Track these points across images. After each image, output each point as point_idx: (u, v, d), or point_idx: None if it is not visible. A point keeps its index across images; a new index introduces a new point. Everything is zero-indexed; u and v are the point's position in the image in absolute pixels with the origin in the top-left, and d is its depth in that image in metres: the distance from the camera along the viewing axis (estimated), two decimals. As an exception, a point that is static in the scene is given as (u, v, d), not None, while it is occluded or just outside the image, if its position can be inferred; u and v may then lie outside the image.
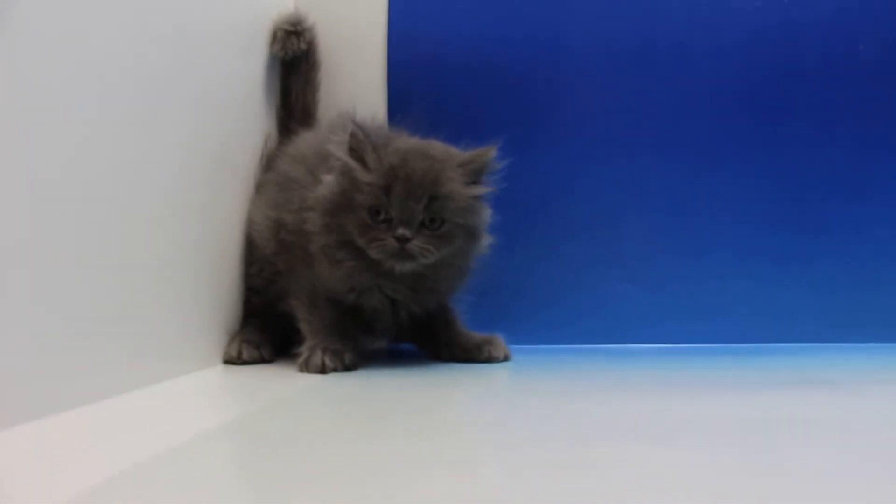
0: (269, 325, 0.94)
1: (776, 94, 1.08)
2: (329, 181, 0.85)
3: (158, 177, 0.75)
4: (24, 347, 0.55)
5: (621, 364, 0.93)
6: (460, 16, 1.11)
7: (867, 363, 0.93)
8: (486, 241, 0.90)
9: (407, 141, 0.87)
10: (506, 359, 0.92)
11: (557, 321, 1.08)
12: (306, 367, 0.83)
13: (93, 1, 0.64)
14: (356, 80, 1.10)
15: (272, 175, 0.97)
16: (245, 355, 0.89)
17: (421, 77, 1.10)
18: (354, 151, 0.84)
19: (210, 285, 0.88)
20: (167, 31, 0.77)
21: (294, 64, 1.06)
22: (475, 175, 0.85)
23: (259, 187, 0.98)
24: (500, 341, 0.93)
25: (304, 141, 0.99)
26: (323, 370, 0.82)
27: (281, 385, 0.78)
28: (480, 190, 0.86)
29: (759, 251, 1.08)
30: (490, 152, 0.86)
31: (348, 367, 0.84)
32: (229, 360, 0.89)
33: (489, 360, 0.91)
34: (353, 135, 0.84)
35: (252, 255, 0.96)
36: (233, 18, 0.95)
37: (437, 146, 0.86)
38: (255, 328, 0.93)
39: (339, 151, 0.84)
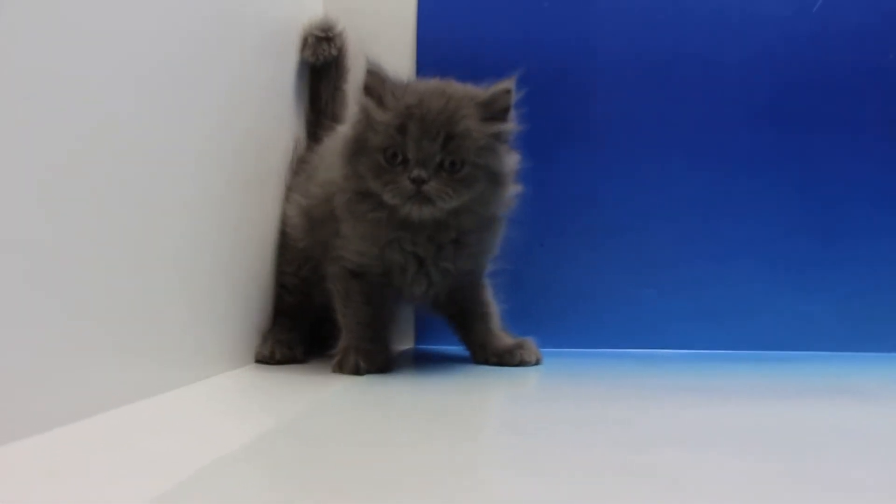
0: (301, 324, 0.94)
1: (803, 102, 1.09)
2: (345, 127, 0.84)
3: (191, 181, 0.75)
4: (54, 349, 0.54)
5: (646, 369, 0.93)
6: (489, 20, 1.11)
7: (891, 372, 0.93)
8: (513, 189, 0.86)
9: (425, 82, 0.84)
10: (537, 363, 0.92)
11: (581, 325, 1.09)
12: (340, 369, 0.83)
13: (131, 6, 0.64)
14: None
15: (303, 175, 0.98)
16: (278, 355, 0.89)
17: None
18: (370, 90, 0.82)
19: (242, 286, 0.88)
20: (199, 34, 0.76)
21: (324, 70, 1.06)
22: (493, 112, 0.82)
23: (291, 188, 0.99)
24: (532, 345, 0.93)
25: (332, 137, 0.99)
26: (357, 372, 0.82)
27: (315, 387, 0.78)
28: (500, 127, 0.82)
29: (784, 258, 1.08)
30: (507, 86, 0.82)
31: (381, 369, 0.84)
32: (262, 360, 0.89)
33: (521, 364, 0.91)
34: (369, 72, 0.81)
35: (286, 254, 0.96)
36: (263, 23, 0.95)
37: (455, 85, 0.83)
38: (285, 328, 0.93)
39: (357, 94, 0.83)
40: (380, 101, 0.81)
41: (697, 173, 1.09)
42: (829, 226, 1.09)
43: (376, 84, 0.81)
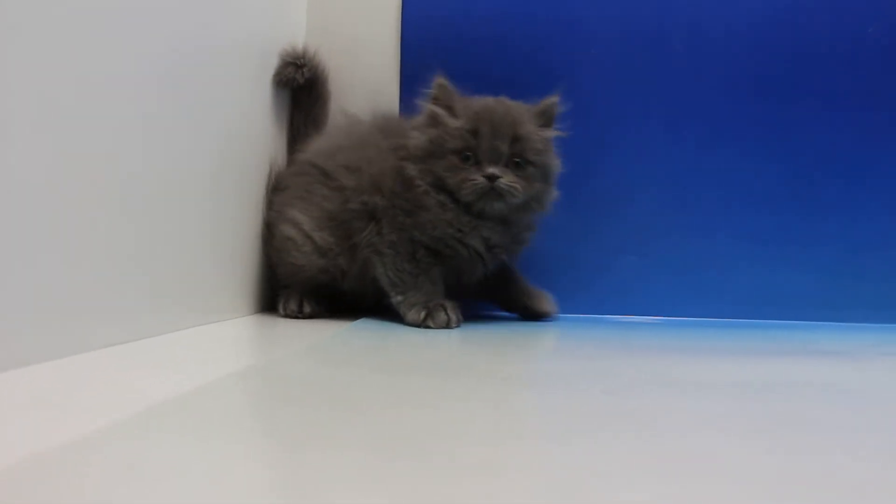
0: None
1: (784, 75, 1.10)
2: (416, 133, 0.92)
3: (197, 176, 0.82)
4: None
5: (633, 333, 0.94)
6: (471, 43, 1.12)
7: (866, 338, 0.94)
8: (555, 193, 0.96)
9: (482, 97, 0.94)
10: (545, 315, 1.03)
11: (565, 293, 1.09)
12: (430, 323, 0.90)
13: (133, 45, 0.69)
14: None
15: (294, 185, 1.01)
16: (307, 309, 0.98)
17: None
18: (439, 101, 0.92)
19: (237, 259, 0.95)
20: (179, 55, 0.78)
21: (300, 94, 1.09)
22: (546, 120, 0.95)
23: (278, 209, 1.01)
24: (545, 298, 1.03)
25: (325, 139, 1.03)
26: (448, 325, 0.90)
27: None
28: (552, 133, 0.95)
29: (762, 231, 1.11)
30: (555, 100, 0.95)
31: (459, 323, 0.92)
32: (290, 315, 0.97)
33: (526, 310, 1.04)
34: (438, 85, 0.92)
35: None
36: (246, 46, 0.96)
37: (508, 100, 0.95)
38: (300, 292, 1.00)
39: (425, 103, 0.93)
40: (450, 110, 0.91)
41: (679, 146, 1.11)
42: (806, 198, 1.11)
43: (445, 96, 0.92)
